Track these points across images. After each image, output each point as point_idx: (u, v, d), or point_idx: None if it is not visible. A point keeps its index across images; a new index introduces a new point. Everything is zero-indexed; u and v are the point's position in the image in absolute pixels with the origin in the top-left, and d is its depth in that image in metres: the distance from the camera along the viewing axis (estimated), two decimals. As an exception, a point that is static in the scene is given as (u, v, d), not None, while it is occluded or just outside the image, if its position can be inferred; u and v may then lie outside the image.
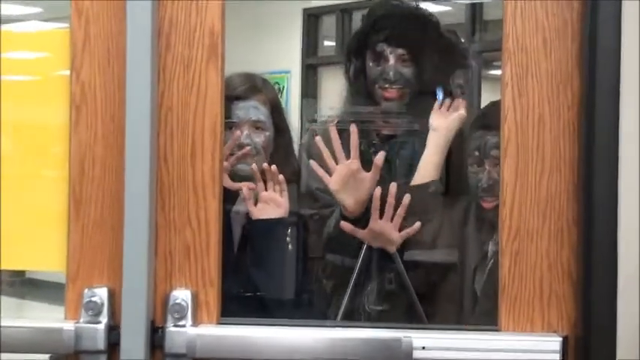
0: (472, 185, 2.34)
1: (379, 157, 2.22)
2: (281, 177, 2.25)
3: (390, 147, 2.38)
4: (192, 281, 1.68)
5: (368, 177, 2.24)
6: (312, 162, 2.27)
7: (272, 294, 2.27)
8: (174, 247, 1.69)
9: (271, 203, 2.26)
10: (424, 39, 2.42)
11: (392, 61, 2.39)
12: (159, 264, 1.68)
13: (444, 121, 2.32)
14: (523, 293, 1.67)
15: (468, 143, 2.36)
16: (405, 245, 2.28)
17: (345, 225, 2.25)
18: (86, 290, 1.67)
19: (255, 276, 2.25)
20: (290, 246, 2.28)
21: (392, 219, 2.25)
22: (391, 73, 2.38)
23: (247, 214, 2.28)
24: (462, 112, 2.33)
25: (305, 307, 2.32)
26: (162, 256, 1.69)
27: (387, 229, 2.26)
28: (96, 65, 1.70)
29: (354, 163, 2.24)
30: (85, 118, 1.70)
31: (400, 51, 2.39)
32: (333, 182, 2.25)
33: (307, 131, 2.50)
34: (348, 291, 2.30)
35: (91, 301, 1.65)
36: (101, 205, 1.70)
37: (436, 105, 2.33)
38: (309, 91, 4.67)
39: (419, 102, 2.39)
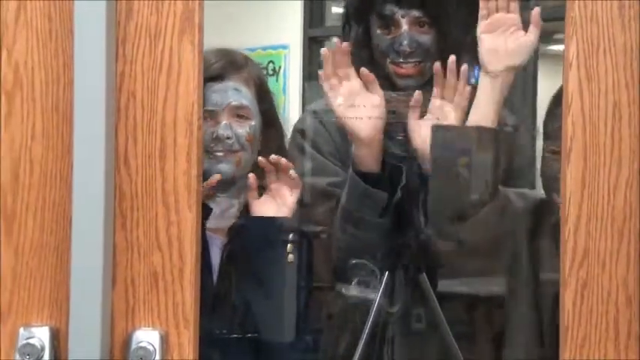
0: (548, 178, 2.07)
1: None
2: (295, 175, 2.06)
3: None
4: (161, 319, 1.58)
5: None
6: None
7: (265, 332, 2.04)
8: (137, 274, 1.59)
9: (278, 199, 2.07)
10: None
11: (405, 26, 2.15)
12: (117, 297, 1.59)
13: (501, 56, 2.02)
14: (592, 335, 1.56)
15: (547, 123, 2.09)
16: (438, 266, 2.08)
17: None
18: (22, 330, 1.57)
19: (245, 303, 2.03)
20: (290, 259, 2.06)
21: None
22: (405, 43, 2.15)
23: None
24: (532, 37, 2.03)
25: (308, 355, 2.11)
26: (122, 287, 1.59)
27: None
28: (34, 40, 1.59)
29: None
30: (19, 109, 1.60)
31: (415, 13, 2.14)
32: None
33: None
34: (364, 335, 2.06)
35: (28, 343, 1.55)
36: (41, 221, 1.59)
37: (483, 25, 2.03)
38: (313, 71, 4.43)
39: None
